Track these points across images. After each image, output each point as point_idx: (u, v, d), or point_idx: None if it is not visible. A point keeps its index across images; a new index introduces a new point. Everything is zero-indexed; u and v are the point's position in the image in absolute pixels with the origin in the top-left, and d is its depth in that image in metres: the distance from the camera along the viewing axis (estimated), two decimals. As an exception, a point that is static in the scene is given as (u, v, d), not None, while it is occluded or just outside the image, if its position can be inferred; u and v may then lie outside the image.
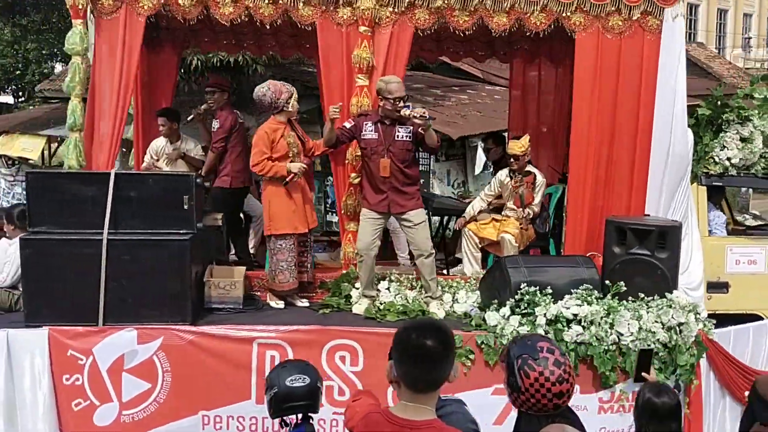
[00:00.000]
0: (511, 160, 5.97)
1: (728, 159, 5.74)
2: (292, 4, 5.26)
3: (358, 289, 5.31)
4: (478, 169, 14.16)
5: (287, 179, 5.04)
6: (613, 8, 5.28)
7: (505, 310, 4.77)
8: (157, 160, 6.78)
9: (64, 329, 4.67)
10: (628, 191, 5.51)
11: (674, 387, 4.65)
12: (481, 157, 13.73)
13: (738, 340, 5.29)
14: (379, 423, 2.39)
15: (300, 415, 3.08)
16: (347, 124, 5.21)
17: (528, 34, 6.37)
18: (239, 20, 5.61)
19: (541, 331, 4.62)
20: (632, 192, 5.50)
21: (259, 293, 5.53)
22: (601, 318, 4.66)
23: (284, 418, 3.08)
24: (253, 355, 4.71)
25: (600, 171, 5.47)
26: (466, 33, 5.76)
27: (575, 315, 4.66)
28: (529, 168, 6.07)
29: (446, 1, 5.25)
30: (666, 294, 4.91)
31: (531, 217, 5.99)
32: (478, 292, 5.24)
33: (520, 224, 5.90)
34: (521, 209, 5.98)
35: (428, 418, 2.35)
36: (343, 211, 5.50)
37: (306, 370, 3.01)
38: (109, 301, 4.64)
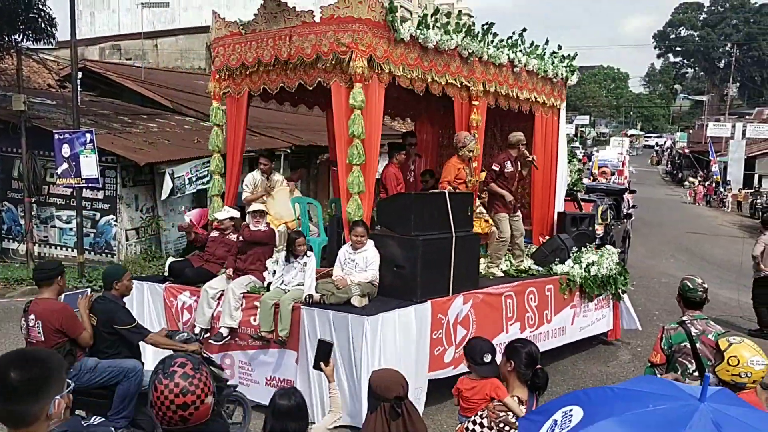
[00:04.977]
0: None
1: (568, 183, 10.96)
2: (447, 85, 8.19)
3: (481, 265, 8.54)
4: (164, 195, 14.80)
5: None
6: (549, 101, 9.87)
7: (569, 262, 8.95)
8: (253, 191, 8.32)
9: (436, 300, 6.83)
10: (549, 199, 10.14)
11: (615, 300, 9.64)
12: (168, 183, 14.57)
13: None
14: None
15: None
16: (496, 168, 8.54)
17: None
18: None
19: (581, 269, 8.95)
20: (550, 199, 10.17)
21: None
22: (600, 261, 9.29)
23: None
24: (502, 303, 7.71)
25: (542, 188, 9.97)
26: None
27: (594, 261, 9.16)
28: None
29: (502, 93, 8.95)
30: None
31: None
32: (528, 257, 9.15)
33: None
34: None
35: None
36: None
37: None
38: (452, 278, 7.00)
